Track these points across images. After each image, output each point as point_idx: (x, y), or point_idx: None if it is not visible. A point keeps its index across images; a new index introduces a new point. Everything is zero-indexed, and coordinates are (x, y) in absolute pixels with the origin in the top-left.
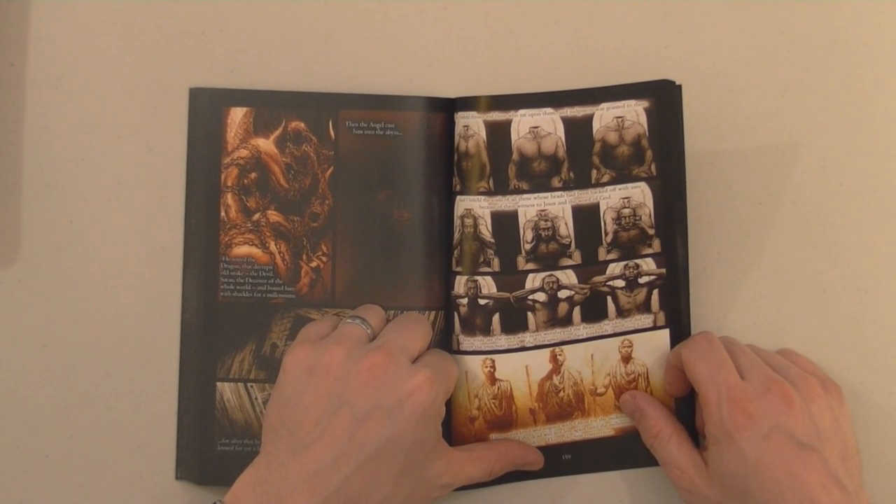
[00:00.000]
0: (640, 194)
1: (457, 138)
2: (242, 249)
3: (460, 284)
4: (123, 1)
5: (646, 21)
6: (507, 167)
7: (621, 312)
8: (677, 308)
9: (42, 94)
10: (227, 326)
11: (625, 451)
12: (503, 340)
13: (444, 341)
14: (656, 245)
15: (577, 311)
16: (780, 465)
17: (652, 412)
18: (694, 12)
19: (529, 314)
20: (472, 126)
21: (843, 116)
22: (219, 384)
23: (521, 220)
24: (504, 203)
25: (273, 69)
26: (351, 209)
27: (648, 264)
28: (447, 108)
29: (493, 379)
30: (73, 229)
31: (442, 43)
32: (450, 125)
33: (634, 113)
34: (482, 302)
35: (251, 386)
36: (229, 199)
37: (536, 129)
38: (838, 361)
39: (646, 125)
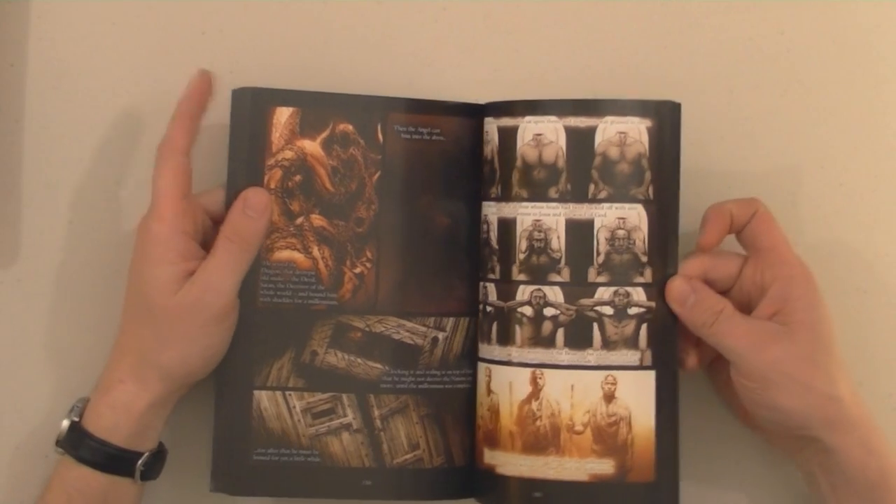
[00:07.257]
0: (636, 217)
1: (483, 144)
2: (284, 254)
3: (480, 290)
4: (123, 1)
5: (645, 21)
6: (512, 174)
7: (607, 343)
8: (665, 348)
9: (42, 94)
10: (265, 333)
11: (598, 500)
12: (497, 351)
13: (473, 347)
14: (648, 275)
15: (560, 333)
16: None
17: (708, 292)
18: (694, 12)
19: (517, 328)
20: (489, 131)
21: (843, 116)
22: (256, 392)
23: (518, 229)
24: (507, 210)
25: (273, 70)
26: (396, 215)
27: (639, 294)
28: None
29: (488, 389)
30: (73, 229)
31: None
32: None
33: (637, 131)
34: (488, 309)
35: (289, 395)
36: (272, 201)
37: (540, 136)
38: None
39: (647, 145)
